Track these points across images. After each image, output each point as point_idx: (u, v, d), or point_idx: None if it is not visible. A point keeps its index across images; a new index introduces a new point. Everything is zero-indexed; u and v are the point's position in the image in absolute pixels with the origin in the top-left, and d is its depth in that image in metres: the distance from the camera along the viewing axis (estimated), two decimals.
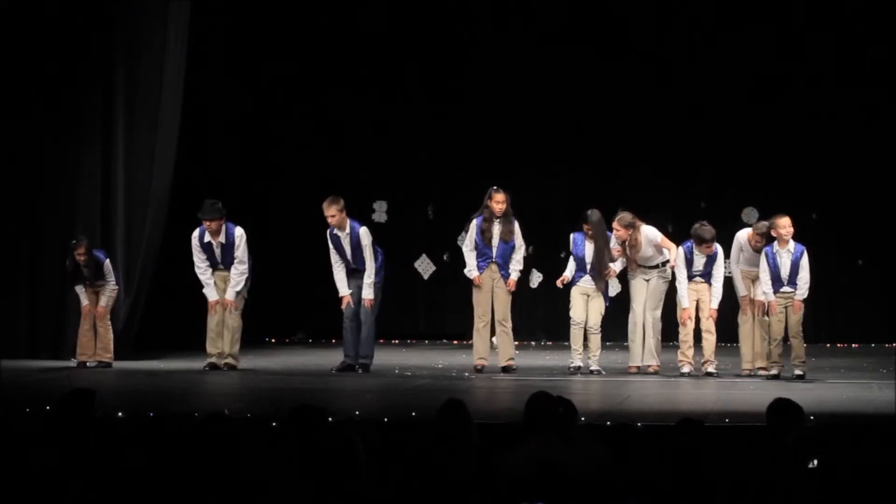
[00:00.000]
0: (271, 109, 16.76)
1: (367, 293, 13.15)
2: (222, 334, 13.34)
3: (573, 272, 13.05)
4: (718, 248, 12.79)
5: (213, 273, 13.37)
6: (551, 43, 16.64)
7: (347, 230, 13.16)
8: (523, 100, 16.76)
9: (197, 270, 13.39)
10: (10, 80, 14.21)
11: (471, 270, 13.13)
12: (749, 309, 12.76)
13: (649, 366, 12.97)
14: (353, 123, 16.93)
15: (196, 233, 13.36)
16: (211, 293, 13.37)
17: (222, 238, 13.30)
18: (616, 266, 13.07)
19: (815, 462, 5.95)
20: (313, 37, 16.77)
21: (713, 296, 12.75)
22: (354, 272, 13.21)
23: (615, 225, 12.99)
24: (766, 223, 12.73)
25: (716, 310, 12.74)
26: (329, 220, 13.10)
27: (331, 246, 13.19)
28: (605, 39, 16.53)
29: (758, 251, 12.67)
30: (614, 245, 13.01)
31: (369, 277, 13.14)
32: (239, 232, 13.35)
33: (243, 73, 16.41)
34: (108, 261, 13.58)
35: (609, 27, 16.55)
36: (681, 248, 12.85)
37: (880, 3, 15.68)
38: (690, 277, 12.77)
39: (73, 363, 13.57)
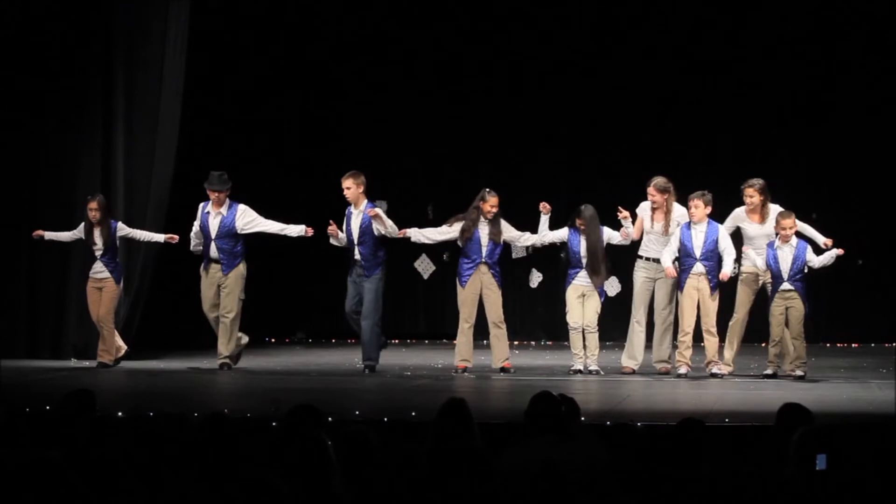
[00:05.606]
0: (271, 109, 16.75)
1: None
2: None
3: (546, 236, 12.99)
4: (717, 225, 12.71)
5: (207, 265, 13.31)
6: (550, 43, 16.65)
7: (362, 208, 13.10)
8: (523, 100, 16.77)
9: (192, 237, 13.40)
10: (10, 79, 14.21)
11: (417, 239, 13.14)
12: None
13: (660, 367, 12.98)
14: (353, 123, 16.93)
15: (202, 204, 13.39)
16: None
17: (223, 210, 13.28)
18: (632, 232, 12.98)
19: (825, 459, 5.94)
20: (313, 36, 16.77)
21: (725, 263, 12.50)
22: (355, 264, 13.15)
23: (650, 190, 12.89)
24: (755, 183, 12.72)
25: (728, 274, 12.50)
26: (344, 192, 13.05)
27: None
28: (604, 39, 16.53)
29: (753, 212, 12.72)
30: (624, 231, 12.93)
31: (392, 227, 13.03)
32: (241, 206, 13.33)
33: (242, 72, 16.39)
34: (119, 223, 13.58)
35: (608, 26, 16.55)
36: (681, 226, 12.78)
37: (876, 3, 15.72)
38: (690, 266, 12.63)
39: (73, 363, 13.50)
